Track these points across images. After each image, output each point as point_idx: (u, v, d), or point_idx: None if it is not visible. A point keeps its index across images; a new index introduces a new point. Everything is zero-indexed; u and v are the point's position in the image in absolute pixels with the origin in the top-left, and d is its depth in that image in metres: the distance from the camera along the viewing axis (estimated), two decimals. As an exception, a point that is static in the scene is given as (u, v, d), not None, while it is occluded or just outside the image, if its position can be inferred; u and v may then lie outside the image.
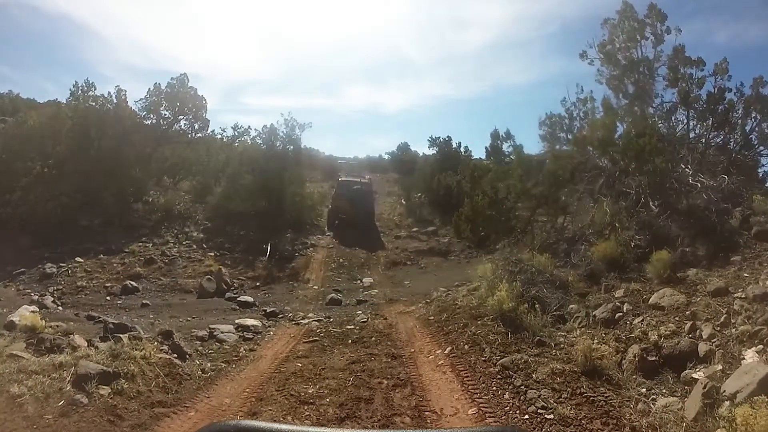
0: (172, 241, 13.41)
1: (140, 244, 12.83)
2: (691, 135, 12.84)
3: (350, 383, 4.39)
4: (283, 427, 1.03)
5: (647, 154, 9.68)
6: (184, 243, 13.30)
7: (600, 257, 7.59)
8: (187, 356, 5.28)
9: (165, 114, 17.23)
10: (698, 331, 5.11)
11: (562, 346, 5.08)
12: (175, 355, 5.06)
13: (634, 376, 4.55)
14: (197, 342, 6.20)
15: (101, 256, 11.90)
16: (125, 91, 15.76)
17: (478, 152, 22.01)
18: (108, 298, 9.77)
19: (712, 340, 4.89)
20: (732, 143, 12.74)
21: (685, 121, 13.61)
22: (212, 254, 12.43)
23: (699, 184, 9.04)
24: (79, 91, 15.51)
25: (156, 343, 5.24)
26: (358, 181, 18.22)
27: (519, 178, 11.03)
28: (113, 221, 13.77)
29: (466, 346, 5.33)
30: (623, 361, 4.73)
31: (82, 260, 11.55)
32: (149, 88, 17.01)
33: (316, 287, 11.02)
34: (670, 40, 13.17)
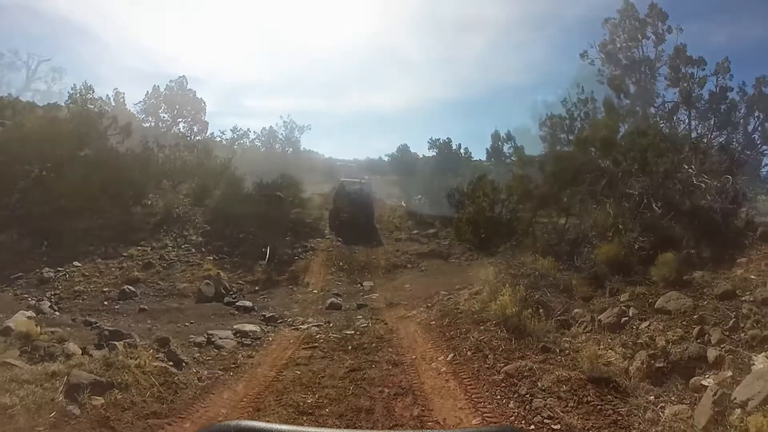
0: (170, 244, 13.29)
1: (138, 248, 12.71)
2: (693, 135, 12.75)
3: (350, 392, 4.28)
4: (283, 427, 1.07)
5: (650, 154, 9.59)
6: (182, 247, 13.19)
7: (603, 260, 7.47)
8: (184, 364, 5.17)
9: (164, 117, 17.21)
10: (707, 335, 4.99)
11: (567, 352, 4.97)
12: (171, 363, 4.96)
13: (642, 383, 4.43)
14: (195, 348, 6.09)
15: (99, 260, 11.78)
16: (123, 93, 15.74)
17: (479, 154, 21.96)
18: (105, 303, 9.65)
19: (721, 345, 4.78)
20: (735, 143, 12.66)
21: (687, 121, 13.49)
22: (211, 258, 12.31)
23: (703, 185, 8.93)
24: (78, 94, 15.49)
25: (152, 350, 5.13)
26: (358, 181, 18.25)
27: (520, 180, 10.93)
28: (111, 225, 13.67)
29: (469, 353, 5.21)
30: (630, 368, 4.61)
31: (79, 264, 11.44)
32: (148, 91, 17.01)
33: (315, 291, 10.90)
34: (671, 40, 13.11)
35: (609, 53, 14.32)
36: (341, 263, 13.05)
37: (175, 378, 4.63)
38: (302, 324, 7.86)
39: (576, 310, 6.23)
